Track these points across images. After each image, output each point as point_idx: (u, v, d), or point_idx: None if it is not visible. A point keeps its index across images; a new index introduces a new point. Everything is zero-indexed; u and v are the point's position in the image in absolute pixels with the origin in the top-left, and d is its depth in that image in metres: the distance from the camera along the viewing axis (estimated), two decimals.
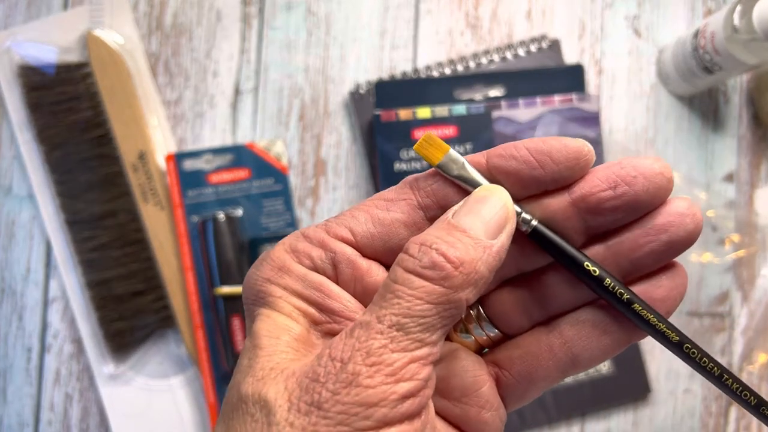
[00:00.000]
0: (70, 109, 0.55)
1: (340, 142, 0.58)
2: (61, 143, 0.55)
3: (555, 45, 0.58)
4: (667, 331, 0.23)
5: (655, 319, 0.23)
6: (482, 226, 0.22)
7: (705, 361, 0.23)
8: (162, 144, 0.56)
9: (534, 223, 0.23)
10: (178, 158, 0.55)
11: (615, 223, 0.23)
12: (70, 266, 0.55)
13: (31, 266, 0.56)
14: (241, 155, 0.56)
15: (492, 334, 0.25)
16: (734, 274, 0.58)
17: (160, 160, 0.56)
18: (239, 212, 0.56)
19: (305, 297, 0.23)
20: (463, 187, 0.23)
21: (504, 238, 0.22)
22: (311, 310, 0.23)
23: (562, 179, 0.23)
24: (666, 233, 0.23)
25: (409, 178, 0.24)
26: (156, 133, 0.56)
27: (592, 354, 0.24)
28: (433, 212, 0.23)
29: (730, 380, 0.23)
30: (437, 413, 0.24)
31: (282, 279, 0.23)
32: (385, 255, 0.23)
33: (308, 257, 0.23)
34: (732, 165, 0.59)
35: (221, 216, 0.55)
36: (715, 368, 0.23)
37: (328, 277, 0.23)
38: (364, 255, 0.23)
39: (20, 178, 0.57)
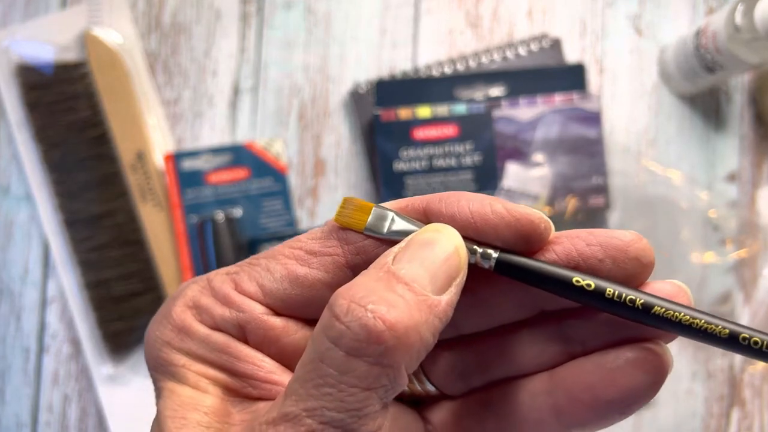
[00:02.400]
0: (68, 108, 0.55)
1: (339, 142, 0.58)
2: (60, 143, 0.55)
3: (556, 44, 0.58)
4: (711, 326, 0.18)
5: (688, 317, 0.18)
6: (428, 276, 0.18)
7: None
8: (160, 143, 0.56)
9: (496, 255, 0.19)
10: (176, 158, 0.55)
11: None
12: (69, 266, 0.55)
13: (29, 266, 0.56)
14: (240, 155, 0.55)
15: (429, 389, 0.22)
16: (736, 274, 0.57)
17: (158, 159, 0.55)
18: (238, 212, 0.55)
19: (212, 362, 0.20)
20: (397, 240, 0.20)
21: (454, 293, 0.18)
22: (222, 377, 0.20)
23: (515, 247, 0.20)
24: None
25: (337, 225, 0.20)
26: (154, 132, 0.56)
27: None
28: (355, 260, 0.20)
29: None
30: None
31: (184, 343, 0.20)
32: (302, 311, 0.21)
33: (211, 317, 0.20)
34: (734, 164, 0.59)
35: (220, 216, 0.54)
36: None
37: (235, 338, 0.20)
38: (279, 314, 0.21)
39: (18, 178, 0.56)
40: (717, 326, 0.18)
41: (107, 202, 0.55)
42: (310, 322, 0.21)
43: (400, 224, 0.20)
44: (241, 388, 0.20)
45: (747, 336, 0.18)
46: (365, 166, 0.57)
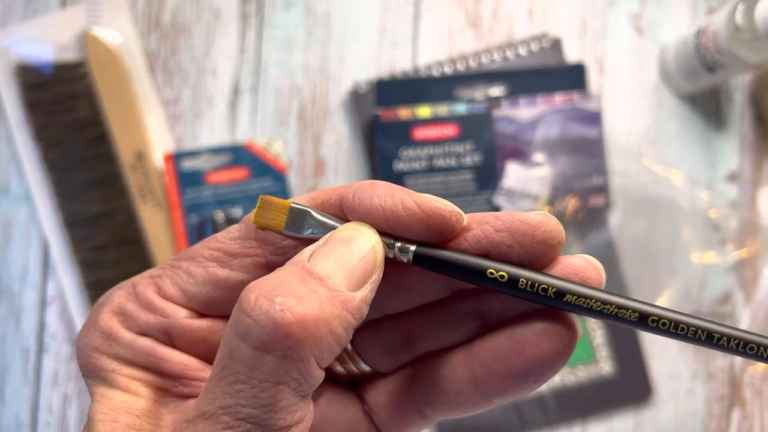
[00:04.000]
0: (67, 108, 0.55)
1: (339, 142, 0.57)
2: (59, 143, 0.55)
3: (556, 44, 0.58)
4: (621, 311, 0.19)
5: (599, 304, 0.19)
6: (344, 273, 0.18)
7: (684, 328, 0.19)
8: (160, 143, 0.56)
9: (413, 248, 0.20)
10: (176, 158, 0.55)
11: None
12: (68, 266, 0.55)
13: (28, 266, 0.56)
14: (239, 155, 0.55)
15: (363, 368, 0.23)
16: (737, 274, 0.57)
17: (158, 159, 0.55)
18: (238, 212, 0.55)
19: (141, 365, 0.20)
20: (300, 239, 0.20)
21: (369, 290, 0.19)
22: (152, 378, 0.20)
23: (429, 240, 0.20)
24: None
25: (254, 224, 0.20)
26: (154, 132, 0.56)
27: (443, 407, 0.21)
28: (273, 258, 0.20)
29: (723, 338, 0.19)
30: None
31: (112, 348, 0.20)
32: (229, 313, 0.20)
33: (136, 323, 0.20)
34: (734, 164, 0.59)
35: (220, 216, 0.54)
36: (700, 332, 0.19)
37: (161, 342, 0.21)
38: (204, 314, 0.21)
39: (18, 178, 0.56)
40: (627, 310, 0.19)
41: (107, 202, 0.55)
42: None
43: (319, 223, 0.20)
44: (172, 388, 0.20)
45: (656, 318, 0.19)
46: (365, 166, 0.57)
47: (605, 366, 0.56)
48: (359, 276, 0.18)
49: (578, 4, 0.59)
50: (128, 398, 0.20)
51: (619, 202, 0.56)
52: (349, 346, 0.23)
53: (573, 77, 0.55)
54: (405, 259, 0.20)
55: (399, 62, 0.58)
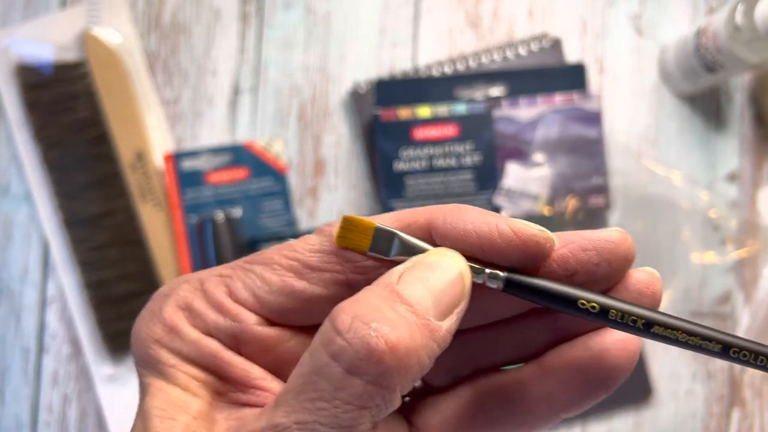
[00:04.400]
0: (67, 108, 0.55)
1: (339, 142, 0.57)
2: (59, 143, 0.55)
3: (556, 44, 0.58)
4: (705, 342, 0.20)
5: (685, 335, 0.20)
6: (432, 300, 0.18)
7: (762, 361, 0.20)
8: (160, 143, 0.56)
9: (503, 275, 0.20)
10: (176, 158, 0.55)
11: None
12: (68, 266, 0.55)
13: (28, 266, 0.56)
14: (239, 155, 0.55)
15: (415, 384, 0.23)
16: (736, 274, 0.57)
17: (158, 159, 0.55)
18: (238, 212, 0.55)
19: (202, 365, 0.20)
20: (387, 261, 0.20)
21: (455, 320, 0.18)
22: (211, 380, 0.20)
23: (521, 266, 0.20)
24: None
25: (337, 244, 0.20)
26: (154, 132, 0.56)
27: (512, 426, 0.21)
28: (353, 272, 0.20)
29: None
30: None
31: (174, 343, 0.20)
32: (299, 323, 0.21)
33: (204, 322, 0.20)
34: (734, 164, 0.59)
35: (220, 216, 0.54)
36: None
37: (227, 345, 0.20)
38: (273, 323, 0.20)
39: (18, 178, 0.56)
40: (711, 342, 0.20)
41: (107, 202, 0.55)
42: (304, 329, 0.21)
43: (405, 246, 0.20)
44: (228, 393, 0.20)
45: (738, 348, 0.20)
46: (365, 166, 0.57)
47: None
48: (447, 304, 0.18)
49: (578, 4, 0.59)
50: (186, 397, 0.19)
51: (619, 202, 0.57)
52: None
53: (573, 77, 0.55)
54: (495, 286, 0.20)
55: (399, 62, 0.58)
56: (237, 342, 0.20)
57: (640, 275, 0.20)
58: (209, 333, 0.20)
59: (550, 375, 0.20)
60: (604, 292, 0.20)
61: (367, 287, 0.18)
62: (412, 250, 0.20)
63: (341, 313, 0.17)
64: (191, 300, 0.20)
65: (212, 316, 0.20)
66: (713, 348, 0.20)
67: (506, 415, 0.20)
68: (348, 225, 0.20)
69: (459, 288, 0.18)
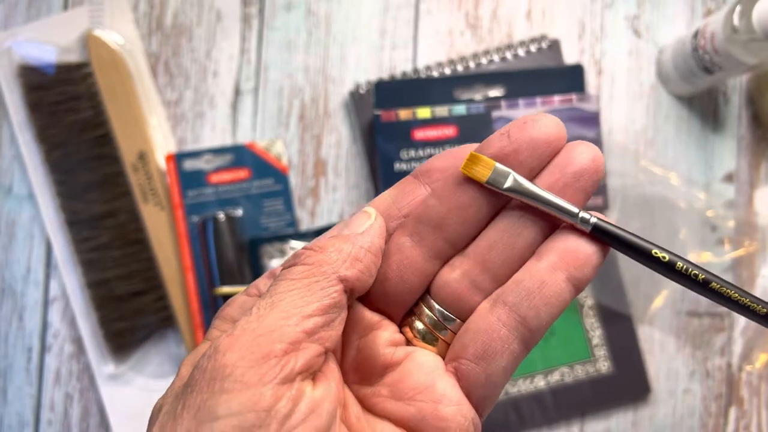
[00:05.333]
0: (70, 109, 0.55)
1: (340, 142, 0.58)
2: (61, 143, 0.55)
3: (555, 45, 0.58)
4: (753, 304, 0.22)
5: (737, 295, 0.23)
6: (345, 226, 0.24)
7: None
8: (162, 144, 0.56)
9: (594, 220, 0.23)
10: (178, 158, 0.55)
11: (529, 173, 0.24)
12: (71, 266, 0.55)
13: (31, 266, 0.56)
14: (241, 155, 0.56)
15: (451, 326, 0.24)
16: (734, 273, 0.58)
17: (160, 160, 0.56)
18: (239, 212, 0.56)
19: (246, 309, 0.25)
20: (516, 198, 0.23)
21: (373, 230, 0.24)
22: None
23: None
24: (570, 166, 0.23)
25: (462, 172, 0.24)
26: (156, 133, 0.56)
27: (539, 313, 0.23)
28: None
29: None
30: (390, 418, 0.23)
31: (223, 311, 0.26)
32: None
33: (255, 287, 0.26)
34: (732, 165, 0.59)
35: (221, 216, 0.55)
36: None
37: None
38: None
39: (20, 178, 0.57)
40: (758, 305, 0.22)
41: (109, 202, 0.55)
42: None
43: (515, 183, 0.23)
44: None
45: None
46: (365, 167, 0.58)
47: (603, 365, 0.56)
48: (356, 226, 0.24)
49: (577, 6, 0.60)
50: (232, 322, 0.25)
51: (617, 203, 0.57)
52: (433, 304, 0.25)
53: (571, 78, 0.56)
54: (586, 228, 0.23)
55: (399, 63, 0.58)
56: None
57: (580, 149, 0.24)
58: (259, 294, 0.25)
59: (553, 253, 0.23)
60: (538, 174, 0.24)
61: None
62: (520, 187, 0.23)
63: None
64: (249, 287, 0.26)
65: (262, 281, 0.26)
66: (760, 310, 0.22)
67: (527, 302, 0.23)
68: (473, 159, 0.23)
69: (366, 216, 0.24)
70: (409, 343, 0.25)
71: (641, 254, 0.23)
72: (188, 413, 0.19)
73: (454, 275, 0.24)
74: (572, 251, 0.23)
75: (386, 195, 0.25)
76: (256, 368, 0.20)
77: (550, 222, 0.24)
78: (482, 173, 0.23)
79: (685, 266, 0.23)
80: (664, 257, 0.23)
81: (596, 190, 0.24)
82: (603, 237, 0.23)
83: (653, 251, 0.23)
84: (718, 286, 0.23)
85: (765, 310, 0.22)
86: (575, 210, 0.23)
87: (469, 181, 0.24)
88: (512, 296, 0.23)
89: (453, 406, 0.22)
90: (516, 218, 0.24)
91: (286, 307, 0.21)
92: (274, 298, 0.22)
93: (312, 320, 0.21)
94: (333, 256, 0.22)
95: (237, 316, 0.25)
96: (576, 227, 0.23)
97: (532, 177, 0.24)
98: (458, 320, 0.24)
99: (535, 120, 0.23)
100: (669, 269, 0.23)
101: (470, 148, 0.24)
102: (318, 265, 0.22)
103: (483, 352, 0.23)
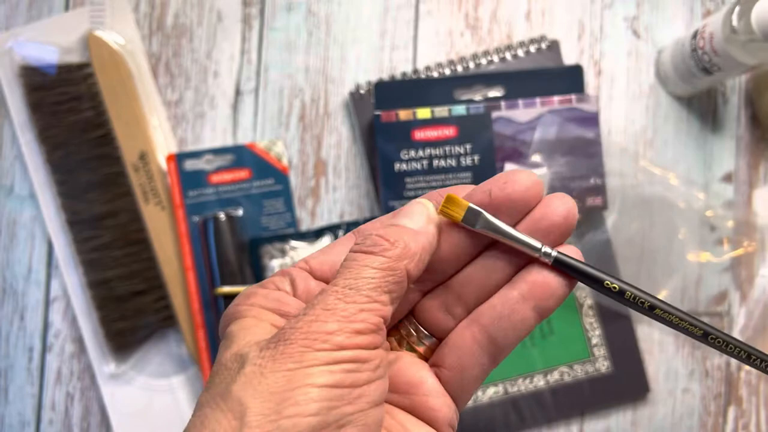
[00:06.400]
0: (71, 109, 0.56)
1: (340, 143, 0.58)
2: (63, 143, 0.55)
3: (554, 46, 0.59)
4: (691, 327, 0.26)
5: (677, 319, 0.26)
6: (405, 217, 0.26)
7: (731, 348, 0.26)
8: (163, 144, 0.56)
9: (554, 253, 0.26)
10: (178, 158, 0.55)
11: (512, 221, 0.27)
12: (72, 266, 0.55)
13: (32, 266, 0.56)
14: (241, 155, 0.56)
15: (429, 343, 0.28)
16: (732, 273, 0.58)
17: (161, 160, 0.56)
18: (240, 212, 0.56)
19: (266, 306, 0.26)
20: (489, 236, 0.26)
21: (430, 228, 0.26)
22: (271, 315, 0.26)
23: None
24: (544, 221, 0.26)
25: (356, 229, 0.28)
26: (157, 133, 0.56)
27: (507, 335, 0.26)
28: None
29: (759, 360, 0.26)
30: (396, 406, 0.27)
31: (248, 300, 0.26)
32: (332, 277, 0.27)
33: (272, 283, 0.27)
34: (730, 165, 0.59)
35: (222, 216, 0.55)
36: (742, 351, 0.26)
37: (287, 293, 0.27)
38: (316, 278, 0.27)
39: (22, 178, 0.57)
40: (695, 327, 0.26)
41: (110, 202, 0.55)
42: None
43: (486, 221, 0.26)
44: (281, 321, 0.26)
45: (714, 336, 0.26)
46: (365, 167, 0.58)
47: (603, 364, 0.57)
48: (420, 222, 0.26)
49: (576, 6, 0.60)
50: (255, 322, 0.25)
51: (617, 203, 0.57)
52: (418, 325, 0.29)
53: (571, 79, 0.56)
54: (547, 260, 0.26)
55: (399, 64, 0.59)
56: (293, 287, 0.27)
57: (554, 203, 0.26)
58: (277, 289, 0.26)
59: (523, 284, 0.26)
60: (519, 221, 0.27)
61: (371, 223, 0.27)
62: (490, 225, 0.26)
63: (356, 236, 0.27)
64: (263, 281, 0.27)
65: (278, 278, 0.27)
66: (696, 332, 0.26)
67: (495, 325, 0.26)
68: (448, 201, 0.26)
69: (425, 213, 0.26)
70: (393, 349, 0.29)
71: (596, 283, 0.26)
72: (282, 364, 0.22)
73: (435, 303, 0.28)
74: (541, 284, 0.26)
75: (385, 218, 0.28)
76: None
77: (522, 261, 0.27)
78: (457, 213, 0.26)
79: (632, 294, 0.26)
80: (615, 287, 0.26)
81: (569, 237, 0.27)
82: (563, 268, 0.26)
83: (605, 282, 0.26)
84: (661, 312, 0.26)
85: (701, 332, 0.26)
86: (538, 245, 0.26)
87: (450, 223, 0.27)
88: (486, 318, 0.27)
89: (440, 398, 0.27)
90: (491, 259, 0.27)
91: (369, 293, 0.24)
92: (357, 282, 0.24)
93: (387, 309, 0.24)
94: (407, 252, 0.25)
95: (265, 303, 0.26)
96: (541, 261, 0.26)
97: (512, 226, 0.27)
98: (434, 338, 0.28)
99: (514, 180, 0.26)
100: (620, 296, 0.26)
101: (450, 190, 0.27)
102: (396, 259, 0.24)
103: (458, 363, 0.27)
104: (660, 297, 0.57)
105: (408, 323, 0.29)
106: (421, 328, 0.28)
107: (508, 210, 0.26)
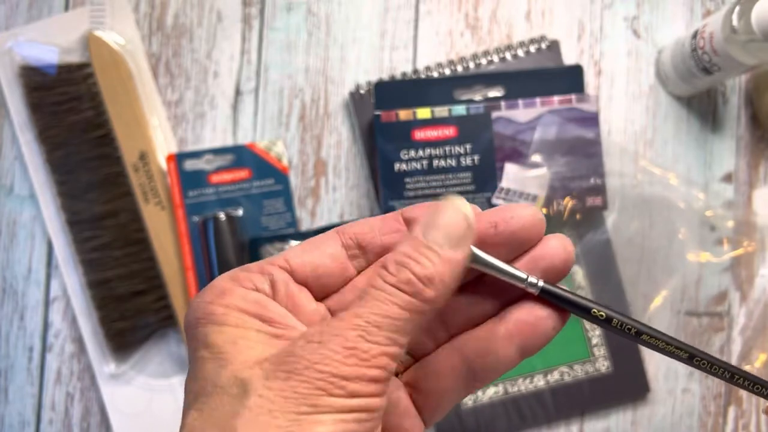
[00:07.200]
0: (71, 109, 0.56)
1: (340, 143, 0.58)
2: (63, 143, 0.55)
3: (554, 46, 0.59)
4: (677, 351, 0.26)
5: (663, 344, 0.26)
6: (445, 238, 0.23)
7: (716, 368, 0.26)
8: (163, 144, 0.56)
9: (541, 284, 0.26)
10: (178, 158, 0.55)
11: (506, 257, 0.26)
12: (72, 266, 0.55)
13: (32, 266, 0.56)
14: (241, 155, 0.56)
15: (404, 360, 0.28)
16: (732, 273, 0.58)
17: (161, 160, 0.56)
18: (240, 212, 0.56)
19: (246, 311, 0.24)
20: (476, 268, 0.25)
21: (466, 248, 0.24)
22: (253, 321, 0.24)
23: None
24: (543, 261, 0.26)
25: (338, 227, 0.27)
26: (157, 133, 0.56)
27: (486, 369, 0.26)
28: (352, 251, 0.27)
29: (742, 379, 0.26)
30: None
31: (223, 300, 0.24)
32: (313, 281, 0.26)
33: (249, 281, 0.25)
34: (730, 165, 0.59)
35: (222, 216, 0.55)
36: (725, 372, 0.26)
37: (267, 296, 0.25)
38: (296, 280, 0.26)
39: (22, 178, 0.57)
40: (681, 351, 0.26)
41: (110, 202, 0.55)
42: (315, 295, 0.27)
43: (481, 257, 0.25)
44: (266, 330, 0.24)
45: (699, 358, 0.26)
46: (365, 167, 0.58)
47: (603, 364, 0.57)
48: (456, 237, 0.24)
49: (576, 6, 0.60)
50: (239, 331, 0.23)
51: (616, 203, 0.57)
52: None
53: (571, 79, 0.56)
54: (532, 290, 0.26)
55: (399, 64, 0.59)
56: (273, 291, 0.25)
57: (554, 244, 0.26)
58: (255, 290, 0.25)
59: (511, 322, 0.26)
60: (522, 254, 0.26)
61: (403, 241, 0.24)
62: (478, 258, 0.25)
63: (388, 261, 0.23)
64: (236, 273, 0.25)
65: (256, 277, 0.25)
66: (682, 355, 0.26)
67: (477, 359, 0.26)
68: None
69: (464, 223, 0.24)
70: None
71: (584, 312, 0.26)
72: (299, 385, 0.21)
73: None
74: (529, 324, 0.26)
75: (371, 222, 0.27)
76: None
77: (510, 296, 0.27)
78: None
79: (619, 322, 0.26)
80: (602, 314, 0.26)
81: (565, 277, 0.27)
82: (550, 298, 0.26)
83: (593, 310, 0.26)
84: (648, 337, 0.26)
85: (686, 354, 0.26)
86: (524, 276, 0.25)
87: None
88: (469, 350, 0.26)
89: (413, 420, 0.27)
90: (481, 289, 0.27)
91: (391, 335, 0.22)
92: (382, 320, 0.22)
93: (402, 351, 0.23)
94: (442, 292, 0.23)
95: (245, 306, 0.25)
96: (527, 291, 0.26)
97: (511, 260, 0.26)
98: (409, 356, 0.28)
99: (521, 216, 0.26)
100: (607, 324, 0.26)
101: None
102: (430, 302, 0.23)
103: (435, 389, 0.27)
104: (660, 297, 0.57)
105: None
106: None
107: (510, 244, 0.26)
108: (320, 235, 0.27)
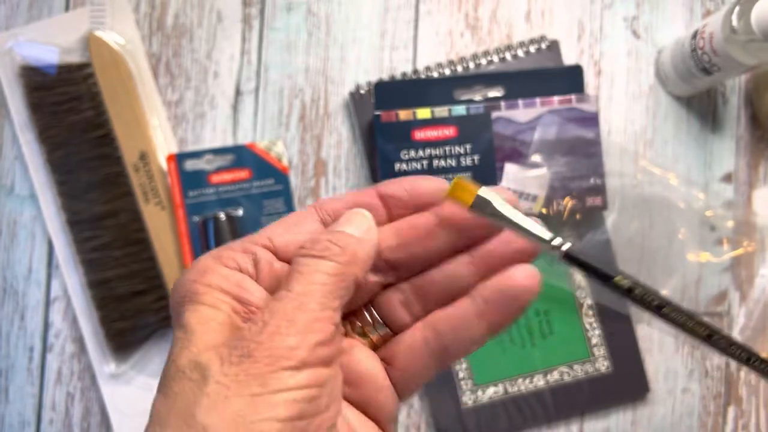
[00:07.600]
0: (71, 109, 0.56)
1: (340, 143, 0.58)
2: (63, 143, 0.55)
3: (554, 46, 0.59)
4: (697, 327, 0.26)
5: (685, 318, 0.26)
6: (355, 229, 0.26)
7: (733, 349, 0.26)
8: (163, 144, 0.56)
9: (565, 247, 0.26)
10: (179, 158, 0.55)
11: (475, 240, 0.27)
12: (72, 266, 0.55)
13: (32, 266, 0.56)
14: (241, 156, 0.56)
15: (382, 333, 0.29)
16: (732, 273, 0.58)
17: (161, 160, 0.56)
18: (240, 212, 0.56)
19: (226, 291, 0.25)
20: (497, 224, 0.26)
21: (372, 235, 0.26)
22: (230, 301, 0.25)
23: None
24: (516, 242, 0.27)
25: (314, 203, 0.28)
26: (157, 133, 0.56)
27: (458, 345, 0.27)
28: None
29: (758, 361, 0.26)
30: (345, 398, 0.27)
31: (205, 279, 0.25)
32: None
33: (233, 260, 0.26)
34: (730, 165, 0.59)
35: (222, 216, 0.55)
36: (742, 353, 0.26)
37: (250, 276, 0.26)
38: (280, 259, 0.27)
39: (22, 178, 0.57)
40: (701, 327, 0.26)
41: (110, 202, 0.55)
42: None
43: (496, 210, 0.26)
44: (243, 312, 0.25)
45: (719, 337, 0.26)
46: (365, 167, 0.58)
47: (602, 364, 0.57)
48: (363, 230, 0.26)
49: (576, 6, 0.60)
50: (213, 312, 0.24)
51: (616, 203, 0.57)
52: (374, 312, 0.29)
53: (570, 79, 0.56)
54: (557, 254, 0.26)
55: (399, 64, 0.59)
56: (257, 270, 0.26)
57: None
58: (239, 269, 0.26)
59: (480, 298, 0.27)
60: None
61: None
62: (498, 213, 0.25)
63: (306, 241, 0.26)
64: (220, 252, 0.26)
65: (239, 256, 0.26)
66: (702, 332, 0.26)
67: (451, 335, 0.27)
68: (457, 185, 0.26)
69: (367, 222, 0.27)
70: (346, 334, 0.29)
71: (604, 279, 0.26)
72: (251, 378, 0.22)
73: (396, 297, 0.28)
74: (497, 303, 0.26)
75: (347, 197, 0.28)
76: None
77: (483, 271, 0.27)
78: (466, 199, 0.26)
79: (642, 292, 0.26)
80: (625, 283, 0.26)
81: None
82: (571, 263, 0.26)
83: (615, 278, 0.26)
84: (670, 310, 0.26)
85: (706, 332, 0.26)
86: (548, 237, 0.25)
87: (423, 223, 0.27)
88: (442, 326, 0.27)
89: (388, 393, 0.27)
90: (458, 266, 0.28)
91: (322, 300, 0.24)
92: (311, 287, 0.24)
93: (338, 315, 0.25)
94: (356, 257, 0.25)
95: (226, 286, 0.26)
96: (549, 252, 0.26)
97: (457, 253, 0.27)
98: (388, 329, 0.29)
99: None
100: (628, 294, 0.26)
101: (426, 179, 0.28)
102: (346, 265, 0.25)
103: (409, 364, 0.27)
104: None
105: (366, 311, 0.29)
106: (378, 318, 0.29)
107: (416, 204, 0.28)
108: (297, 212, 0.28)
